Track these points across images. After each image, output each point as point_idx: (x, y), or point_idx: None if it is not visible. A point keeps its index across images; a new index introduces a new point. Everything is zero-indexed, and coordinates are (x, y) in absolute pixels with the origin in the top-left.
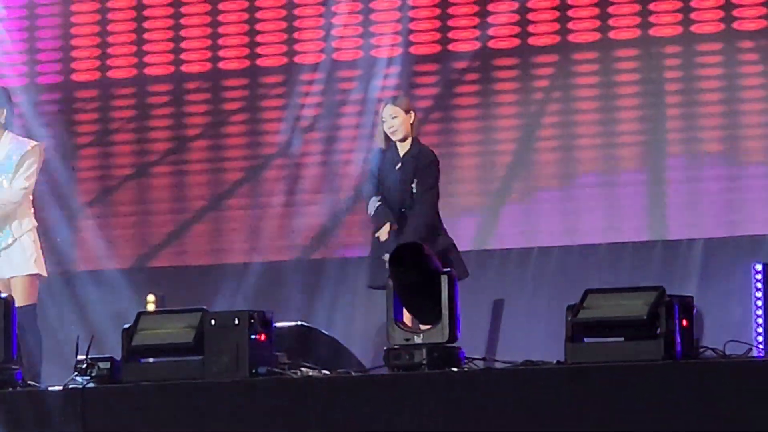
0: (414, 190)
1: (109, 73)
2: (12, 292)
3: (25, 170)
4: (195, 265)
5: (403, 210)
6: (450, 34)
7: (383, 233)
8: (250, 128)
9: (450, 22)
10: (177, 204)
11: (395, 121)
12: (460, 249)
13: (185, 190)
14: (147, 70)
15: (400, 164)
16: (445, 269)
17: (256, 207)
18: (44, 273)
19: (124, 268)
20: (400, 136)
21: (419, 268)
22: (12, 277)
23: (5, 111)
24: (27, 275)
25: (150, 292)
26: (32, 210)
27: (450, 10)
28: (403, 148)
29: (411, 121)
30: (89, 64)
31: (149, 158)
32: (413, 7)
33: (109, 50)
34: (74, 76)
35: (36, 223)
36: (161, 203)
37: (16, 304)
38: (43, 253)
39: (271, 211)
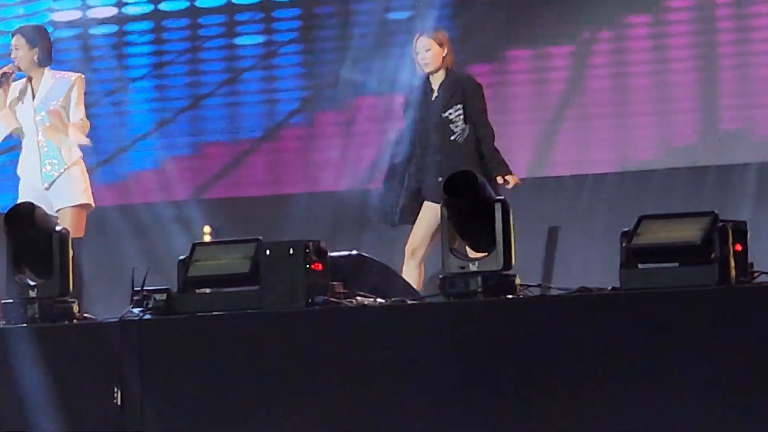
0: (455, 117)
1: (161, 5)
2: (61, 222)
3: (76, 101)
4: (250, 196)
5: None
6: None
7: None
8: (302, 59)
9: None
10: (232, 135)
11: (428, 54)
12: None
13: (240, 121)
14: (198, 2)
15: (435, 95)
16: (498, 197)
17: (311, 138)
18: (92, 203)
19: (179, 200)
20: (431, 68)
21: (472, 196)
22: (60, 209)
23: (37, 49)
24: (75, 206)
25: (206, 224)
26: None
27: None
28: (436, 80)
29: (443, 55)
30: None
31: (203, 90)
32: None
33: None
34: (126, 9)
35: (81, 154)
36: (216, 134)
37: (73, 235)
38: (98, 185)
39: (327, 141)
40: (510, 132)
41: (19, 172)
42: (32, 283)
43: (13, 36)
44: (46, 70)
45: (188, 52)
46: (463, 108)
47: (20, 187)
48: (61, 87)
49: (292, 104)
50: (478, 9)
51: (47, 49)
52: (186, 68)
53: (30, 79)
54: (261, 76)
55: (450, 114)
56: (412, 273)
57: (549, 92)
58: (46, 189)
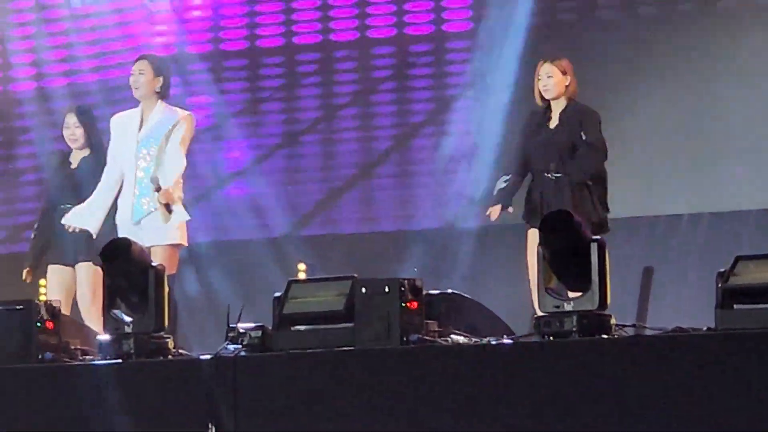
0: (576, 144)
1: (258, 42)
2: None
3: (179, 142)
4: (346, 233)
5: (548, 173)
6: None
7: (494, 213)
8: (398, 96)
9: None
10: (327, 172)
11: (550, 81)
12: (610, 215)
13: (335, 158)
14: (295, 39)
15: (556, 123)
16: (595, 237)
17: (405, 175)
18: (185, 242)
19: (275, 237)
20: (552, 95)
21: (569, 235)
22: (151, 246)
23: (161, 80)
24: (167, 245)
25: (301, 261)
26: (179, 181)
27: None
28: (557, 108)
29: (566, 83)
30: (237, 33)
31: (299, 127)
32: None
33: (258, 19)
34: (223, 46)
35: (181, 195)
36: (311, 172)
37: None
38: (194, 221)
39: (421, 179)
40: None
41: (118, 202)
42: (128, 319)
43: (138, 60)
44: (160, 102)
45: (284, 88)
46: (586, 136)
47: (116, 218)
48: (167, 122)
49: (387, 142)
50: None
51: (168, 82)
52: (282, 105)
53: (142, 110)
54: (357, 114)
55: (570, 142)
56: None
57: (650, 130)
58: (135, 224)
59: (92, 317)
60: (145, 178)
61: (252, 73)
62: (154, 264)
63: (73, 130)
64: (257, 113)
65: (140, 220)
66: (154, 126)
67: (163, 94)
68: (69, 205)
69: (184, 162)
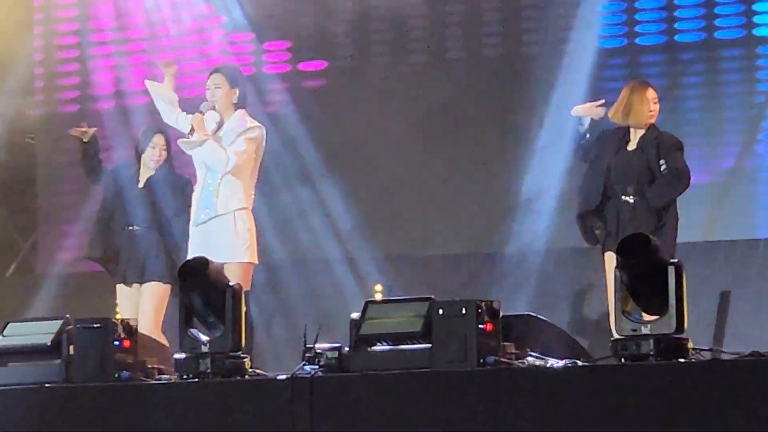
0: (659, 170)
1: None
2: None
3: (240, 144)
4: (423, 254)
5: (625, 196)
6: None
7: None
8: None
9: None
10: (409, 193)
11: (656, 107)
12: (687, 239)
13: (418, 179)
14: (374, 59)
15: (634, 147)
16: (672, 260)
17: (484, 197)
18: (255, 261)
19: (353, 257)
20: (654, 120)
21: (647, 259)
22: (225, 263)
23: (237, 91)
24: (239, 263)
25: (378, 282)
26: (248, 192)
27: None
28: (638, 131)
29: (650, 110)
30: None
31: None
32: None
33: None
34: (300, 66)
35: (247, 206)
36: (391, 192)
37: None
38: (272, 240)
39: (500, 200)
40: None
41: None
42: (204, 338)
43: (212, 74)
44: (238, 111)
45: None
46: (666, 163)
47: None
48: (238, 128)
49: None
50: None
51: (245, 92)
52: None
53: (221, 121)
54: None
55: (648, 168)
56: None
57: (722, 155)
58: (196, 227)
59: (155, 335)
60: (204, 188)
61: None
62: (231, 283)
63: (159, 151)
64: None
65: (199, 225)
66: (231, 129)
67: (240, 105)
68: (137, 228)
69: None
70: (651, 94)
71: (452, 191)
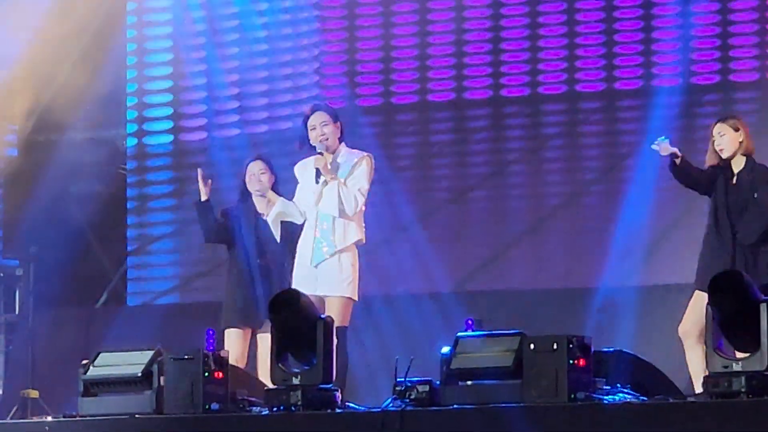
0: (748, 203)
1: (429, 96)
2: (326, 311)
3: (356, 178)
4: (513, 288)
5: (736, 232)
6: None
7: None
8: (569, 153)
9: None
10: (495, 227)
11: (723, 139)
12: None
13: (504, 214)
14: (466, 94)
15: (734, 180)
16: (765, 297)
17: (575, 232)
18: (355, 297)
19: (441, 292)
20: (727, 154)
21: (738, 296)
22: (325, 296)
23: (340, 125)
24: (341, 296)
25: (468, 316)
26: (361, 223)
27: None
28: (736, 166)
29: (740, 140)
30: (408, 88)
31: (468, 182)
32: None
33: (429, 74)
34: (394, 99)
35: (361, 238)
36: (480, 226)
37: None
38: (364, 274)
39: (592, 236)
40: None
41: (299, 244)
42: (296, 370)
43: (312, 113)
44: (342, 145)
45: (453, 144)
46: (755, 197)
47: (296, 260)
48: (348, 163)
49: (557, 198)
50: None
51: (342, 125)
52: (451, 160)
53: (326, 155)
54: (526, 170)
55: (743, 201)
56: (689, 355)
57: None
58: (314, 267)
59: None
60: (323, 224)
61: (422, 127)
62: (322, 316)
63: (258, 177)
64: (426, 168)
65: (319, 264)
66: (339, 168)
67: (343, 139)
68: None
69: (363, 197)
70: (716, 128)
71: (546, 225)
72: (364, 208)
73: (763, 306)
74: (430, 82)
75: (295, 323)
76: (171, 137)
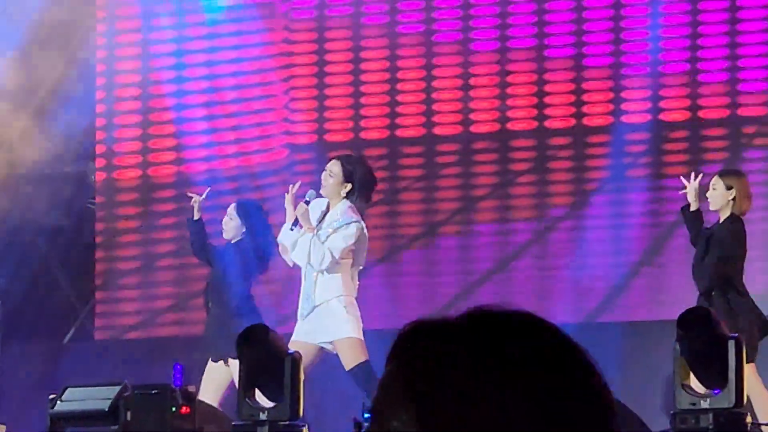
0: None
1: (398, 132)
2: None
3: (335, 238)
4: None
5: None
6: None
7: None
8: (537, 189)
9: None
10: (464, 265)
11: (713, 193)
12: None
13: (472, 250)
14: (436, 130)
15: (707, 240)
16: (732, 334)
17: (543, 269)
18: (357, 336)
19: None
20: (713, 207)
21: (706, 332)
22: (326, 342)
23: (349, 186)
24: (341, 339)
25: None
26: (347, 280)
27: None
28: (723, 217)
29: (730, 198)
30: (377, 123)
31: (437, 218)
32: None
33: (398, 109)
34: (363, 134)
35: (350, 293)
36: (448, 262)
37: (346, 368)
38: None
39: (559, 273)
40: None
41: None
42: (264, 406)
43: (331, 160)
44: (344, 203)
45: (423, 179)
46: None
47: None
48: (339, 221)
49: (525, 234)
50: None
51: (359, 186)
52: (421, 195)
53: (328, 207)
54: (495, 206)
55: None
56: None
57: None
58: (304, 319)
59: None
60: (308, 278)
61: (391, 162)
62: (291, 352)
63: (227, 220)
64: (395, 203)
65: (307, 316)
66: (332, 221)
67: (351, 198)
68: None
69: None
70: (713, 180)
71: (514, 261)
72: (350, 264)
73: (731, 342)
74: (400, 118)
75: (263, 358)
76: (140, 172)
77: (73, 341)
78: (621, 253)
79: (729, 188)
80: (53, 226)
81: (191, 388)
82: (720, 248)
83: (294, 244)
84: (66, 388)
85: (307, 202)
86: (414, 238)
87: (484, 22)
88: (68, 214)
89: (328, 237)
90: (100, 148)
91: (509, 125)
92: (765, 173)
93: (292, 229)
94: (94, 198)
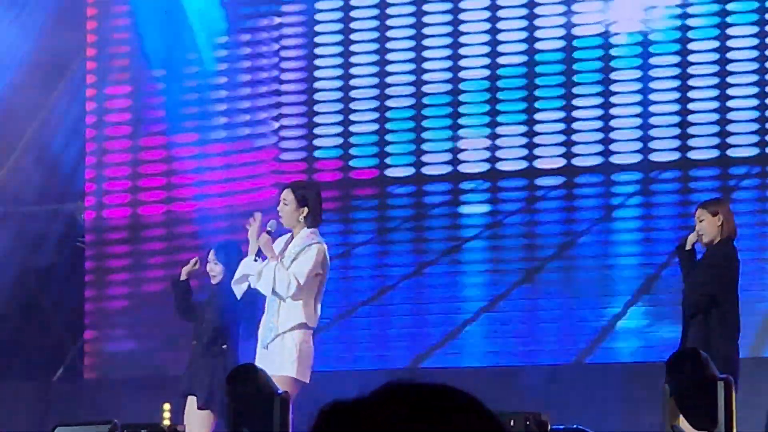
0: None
1: (387, 171)
2: None
3: (299, 263)
4: (470, 366)
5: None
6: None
7: None
8: (527, 230)
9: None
10: (453, 305)
11: (702, 225)
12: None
13: (461, 290)
14: (425, 170)
15: (702, 260)
16: (722, 375)
17: (531, 309)
18: (303, 378)
19: (397, 368)
20: (705, 240)
21: (696, 374)
22: (275, 375)
23: (305, 210)
24: (282, 376)
25: None
26: (309, 309)
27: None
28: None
29: (719, 224)
30: (367, 162)
31: (426, 258)
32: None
33: (387, 149)
34: (353, 174)
35: (306, 322)
36: (437, 303)
37: None
38: (320, 348)
39: (547, 314)
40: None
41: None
42: None
43: (284, 189)
44: (305, 229)
45: (413, 219)
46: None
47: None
48: (301, 246)
49: (515, 275)
50: None
51: (317, 210)
52: (410, 235)
53: (291, 234)
54: (485, 246)
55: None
56: None
57: None
58: (264, 349)
59: None
60: (270, 307)
61: (380, 202)
62: (279, 392)
63: (212, 266)
64: (384, 243)
65: (268, 345)
66: (295, 247)
67: (309, 224)
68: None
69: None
70: (698, 213)
71: (503, 302)
72: (315, 292)
73: (720, 384)
74: (389, 157)
75: (252, 398)
76: (129, 210)
77: (62, 380)
78: (611, 294)
79: (715, 214)
80: (43, 265)
81: (180, 428)
82: (713, 269)
83: (259, 274)
84: (55, 427)
85: (269, 232)
86: (403, 278)
87: (473, 62)
88: (58, 252)
89: (292, 262)
90: (89, 187)
91: (499, 165)
92: (755, 214)
93: (255, 260)
94: (83, 236)
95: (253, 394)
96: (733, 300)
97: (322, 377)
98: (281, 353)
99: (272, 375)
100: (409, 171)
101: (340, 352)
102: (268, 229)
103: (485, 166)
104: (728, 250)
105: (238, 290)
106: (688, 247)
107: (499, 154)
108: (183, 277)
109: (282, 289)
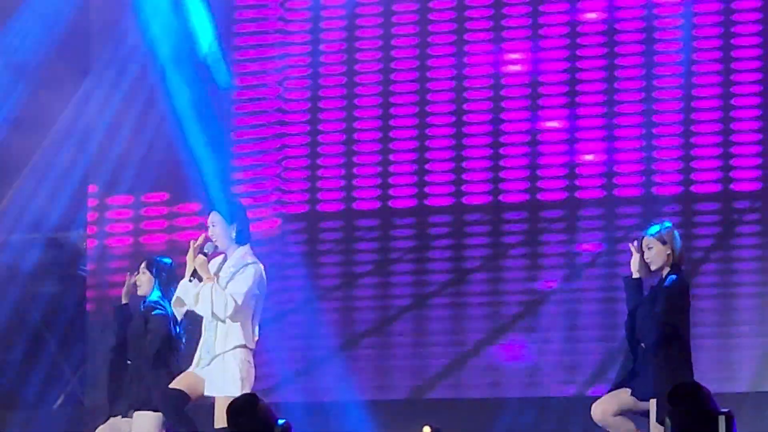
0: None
1: (390, 203)
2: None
3: (236, 282)
4: (471, 397)
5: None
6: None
7: None
8: (529, 262)
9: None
10: (454, 336)
11: (650, 252)
12: (735, 390)
13: (463, 322)
14: (428, 201)
15: (654, 295)
16: (723, 410)
17: (534, 342)
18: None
19: (398, 399)
20: (655, 267)
21: (696, 408)
22: (216, 397)
23: (236, 226)
24: (224, 396)
25: (426, 424)
26: (248, 331)
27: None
28: (662, 279)
29: (668, 252)
30: (370, 193)
31: (427, 289)
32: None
33: (390, 180)
34: (355, 205)
35: (245, 344)
36: (439, 334)
37: (215, 426)
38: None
39: (550, 346)
40: (732, 344)
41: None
42: None
43: (210, 213)
44: (239, 249)
45: (415, 250)
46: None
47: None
48: (237, 266)
49: (515, 308)
50: None
51: (244, 226)
52: (412, 267)
53: (225, 257)
54: (486, 278)
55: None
56: None
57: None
58: (201, 368)
59: None
60: (208, 329)
61: (382, 233)
62: (280, 423)
63: (140, 276)
64: (386, 274)
65: (201, 369)
66: (230, 267)
67: (240, 240)
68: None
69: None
70: (645, 242)
71: (505, 334)
72: (252, 312)
73: (721, 418)
74: (392, 189)
75: (252, 429)
76: (131, 239)
77: (62, 407)
78: (613, 326)
79: (664, 243)
80: (45, 293)
81: None
82: (669, 300)
83: (196, 297)
84: None
85: (205, 254)
86: (404, 309)
87: (477, 94)
88: (60, 280)
89: (227, 283)
90: (91, 215)
91: (501, 197)
92: (757, 248)
93: (191, 281)
94: (85, 264)
95: (253, 425)
96: (688, 329)
97: (323, 408)
98: (223, 374)
99: (215, 396)
100: (412, 202)
101: (341, 380)
102: (205, 251)
103: (488, 198)
104: (683, 277)
105: (178, 313)
106: (635, 275)
107: (502, 186)
108: (124, 300)
109: (220, 310)
